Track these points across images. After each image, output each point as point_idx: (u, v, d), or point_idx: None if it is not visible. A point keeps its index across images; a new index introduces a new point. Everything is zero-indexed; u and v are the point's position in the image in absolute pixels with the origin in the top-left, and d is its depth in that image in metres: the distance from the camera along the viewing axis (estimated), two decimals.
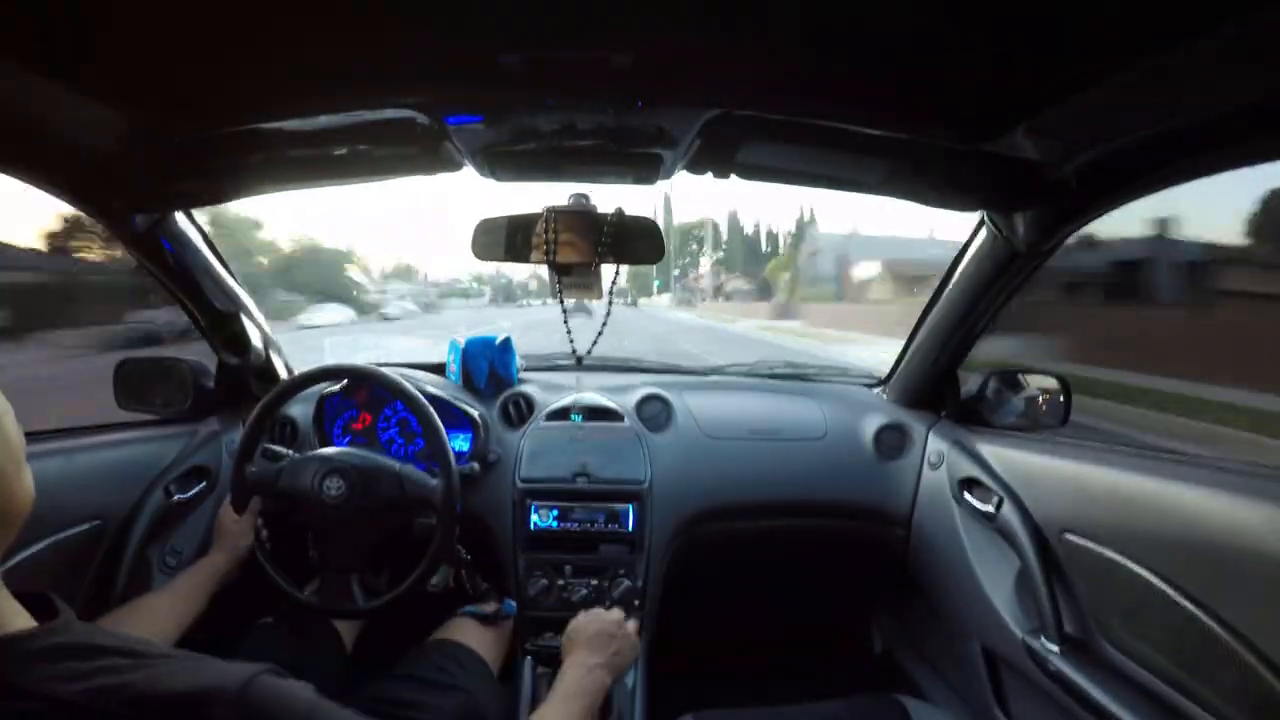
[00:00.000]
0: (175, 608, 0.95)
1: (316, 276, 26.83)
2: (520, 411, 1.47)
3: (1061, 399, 1.25)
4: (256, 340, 1.35)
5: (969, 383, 1.38)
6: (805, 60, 0.70)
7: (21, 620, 0.46)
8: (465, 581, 1.22)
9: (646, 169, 0.95)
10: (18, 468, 0.50)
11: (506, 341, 1.55)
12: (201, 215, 1.19)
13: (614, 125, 0.84)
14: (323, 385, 1.36)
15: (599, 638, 0.92)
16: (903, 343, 1.49)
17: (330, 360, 1.21)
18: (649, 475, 1.36)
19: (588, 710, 0.82)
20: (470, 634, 1.17)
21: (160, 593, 0.98)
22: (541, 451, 1.39)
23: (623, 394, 1.53)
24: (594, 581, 1.30)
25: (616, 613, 0.99)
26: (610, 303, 1.05)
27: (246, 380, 1.38)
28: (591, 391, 1.50)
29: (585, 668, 0.86)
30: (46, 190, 0.92)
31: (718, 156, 0.93)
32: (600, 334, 1.17)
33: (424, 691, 1.01)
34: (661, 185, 1.02)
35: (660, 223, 1.07)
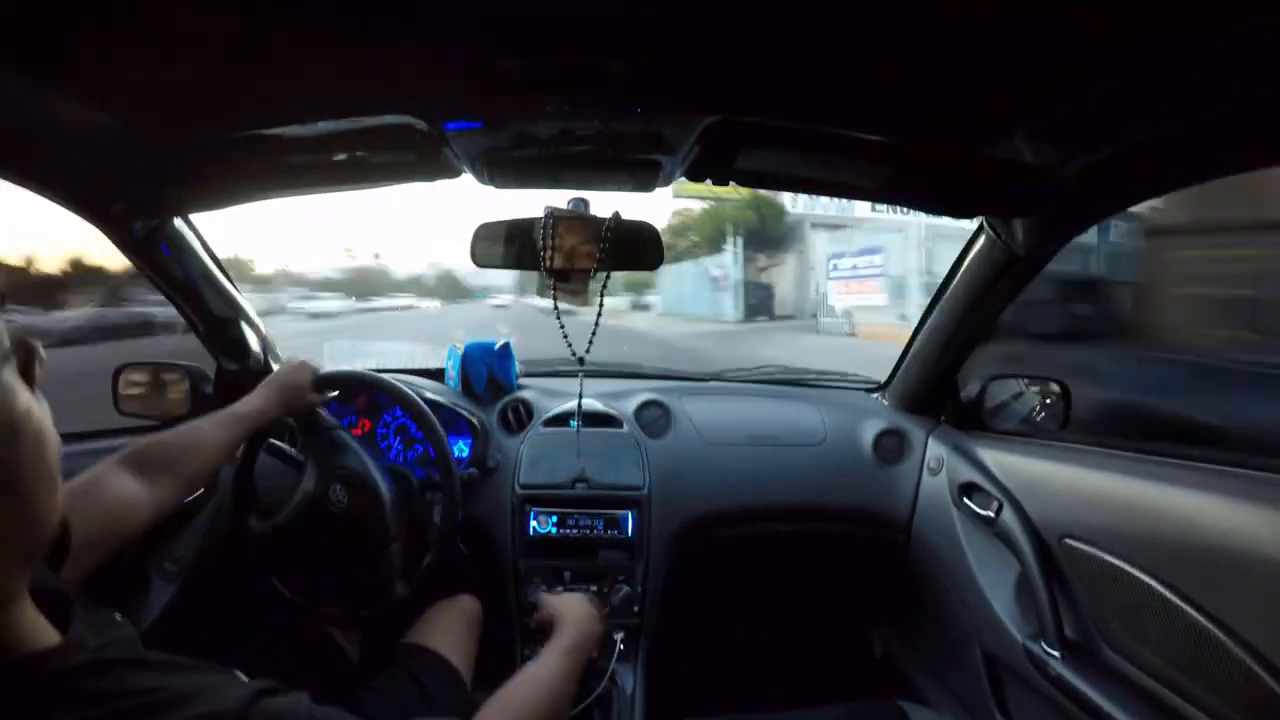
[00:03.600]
0: (220, 439, 0.95)
1: None
2: (519, 417, 1.47)
3: (1061, 403, 1.25)
4: (255, 345, 1.35)
5: (968, 387, 1.38)
6: (803, 66, 0.70)
7: (44, 635, 0.45)
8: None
9: (645, 175, 0.95)
10: (54, 484, 0.45)
11: (506, 347, 1.55)
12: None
13: (612, 132, 0.84)
14: None
15: (584, 618, 1.00)
16: None
17: (329, 366, 1.20)
18: (648, 481, 1.36)
19: (577, 666, 0.91)
20: (440, 636, 1.15)
21: (205, 422, 0.97)
22: (541, 457, 1.38)
23: (621, 400, 1.53)
24: (593, 587, 1.30)
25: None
26: (601, 306, 1.05)
27: (245, 385, 1.37)
28: (590, 397, 1.49)
29: (580, 633, 0.95)
30: (46, 195, 0.92)
31: (717, 163, 0.93)
32: (594, 336, 1.17)
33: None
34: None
35: None
